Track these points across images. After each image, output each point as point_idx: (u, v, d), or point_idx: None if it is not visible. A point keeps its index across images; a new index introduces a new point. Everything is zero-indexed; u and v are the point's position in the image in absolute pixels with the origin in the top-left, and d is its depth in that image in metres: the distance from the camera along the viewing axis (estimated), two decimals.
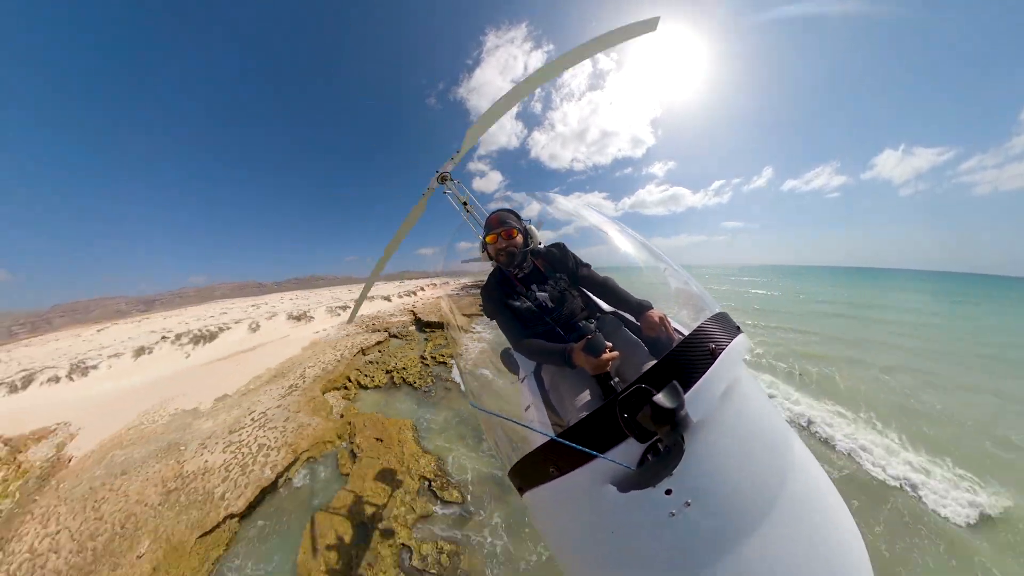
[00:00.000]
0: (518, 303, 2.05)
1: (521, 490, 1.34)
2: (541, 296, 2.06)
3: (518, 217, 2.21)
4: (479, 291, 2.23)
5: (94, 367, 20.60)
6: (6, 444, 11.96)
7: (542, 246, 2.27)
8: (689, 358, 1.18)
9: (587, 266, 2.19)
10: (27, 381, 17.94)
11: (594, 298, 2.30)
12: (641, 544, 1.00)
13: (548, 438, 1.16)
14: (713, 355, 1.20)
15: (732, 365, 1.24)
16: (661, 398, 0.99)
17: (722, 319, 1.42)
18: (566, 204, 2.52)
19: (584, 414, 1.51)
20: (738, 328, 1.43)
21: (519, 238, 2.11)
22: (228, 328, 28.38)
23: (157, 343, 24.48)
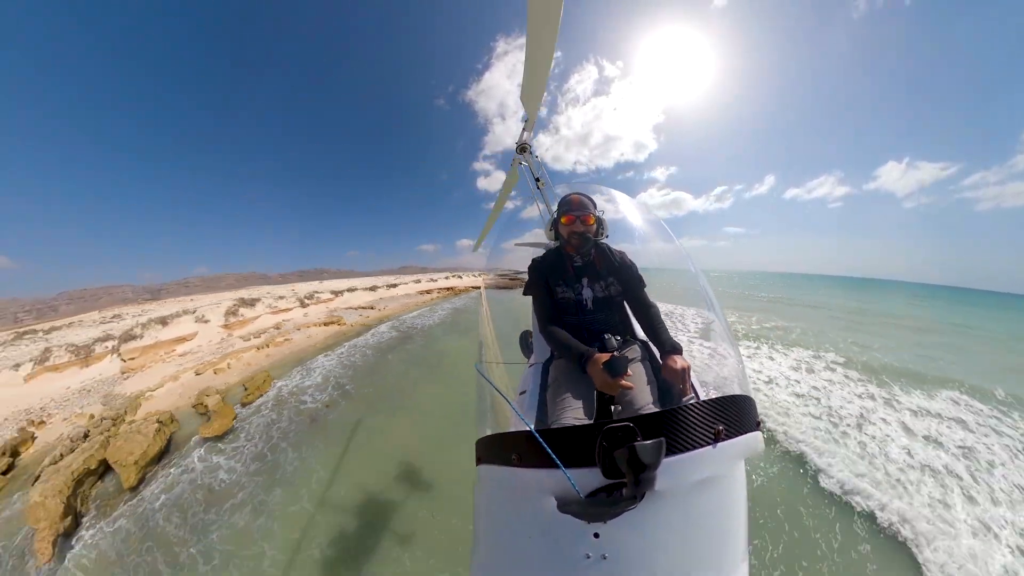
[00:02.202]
0: (561, 289, 2.03)
1: (479, 460, 1.35)
2: (586, 294, 2.02)
3: (594, 204, 2.13)
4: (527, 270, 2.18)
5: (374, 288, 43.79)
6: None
7: (606, 239, 2.17)
8: (690, 424, 1.07)
9: (643, 285, 2.08)
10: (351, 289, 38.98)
11: (632, 318, 2.21)
12: (544, 564, 1.00)
13: (526, 428, 1.13)
14: (716, 437, 1.07)
15: (729, 458, 1.11)
16: (642, 447, 0.93)
17: (746, 405, 1.25)
18: (629, 206, 2.40)
19: (570, 423, 1.56)
20: (759, 424, 1.25)
21: (594, 226, 2.05)
22: (407, 284, 50.44)
23: (396, 283, 46.37)
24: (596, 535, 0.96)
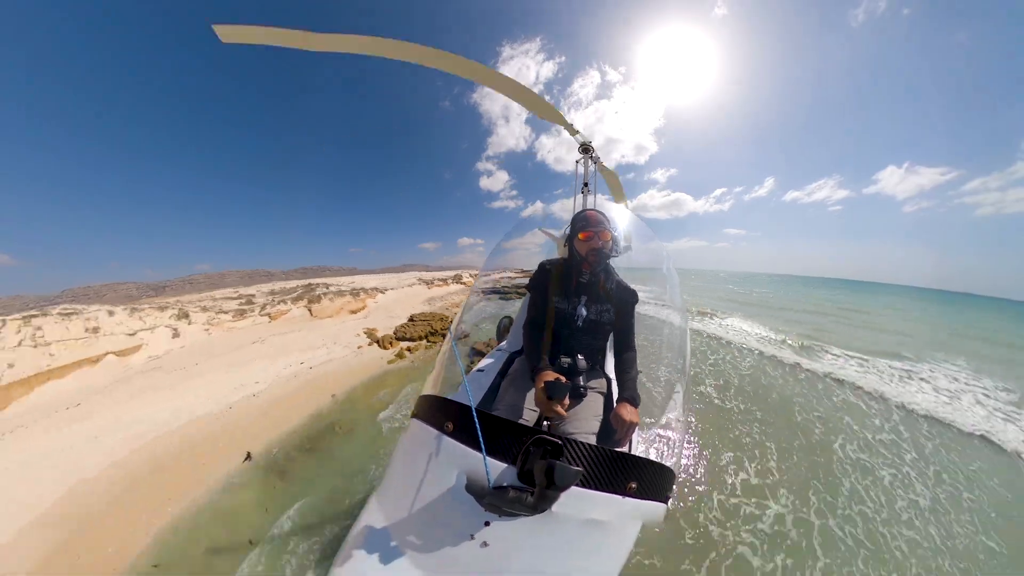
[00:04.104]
0: (558, 299, 1.98)
1: (415, 414, 1.39)
2: (579, 312, 1.96)
3: (608, 220, 2.07)
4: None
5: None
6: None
7: (618, 256, 2.11)
8: (612, 469, 1.13)
9: (633, 325, 2.07)
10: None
11: (609, 351, 2.22)
12: (434, 527, 1.06)
13: (469, 404, 1.18)
14: (626, 492, 1.14)
15: (630, 515, 1.17)
16: (562, 468, 0.97)
17: (666, 476, 1.32)
18: (631, 219, 2.39)
19: (510, 418, 1.60)
20: (668, 498, 1.33)
21: (610, 242, 2.00)
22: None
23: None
24: (487, 523, 1.04)
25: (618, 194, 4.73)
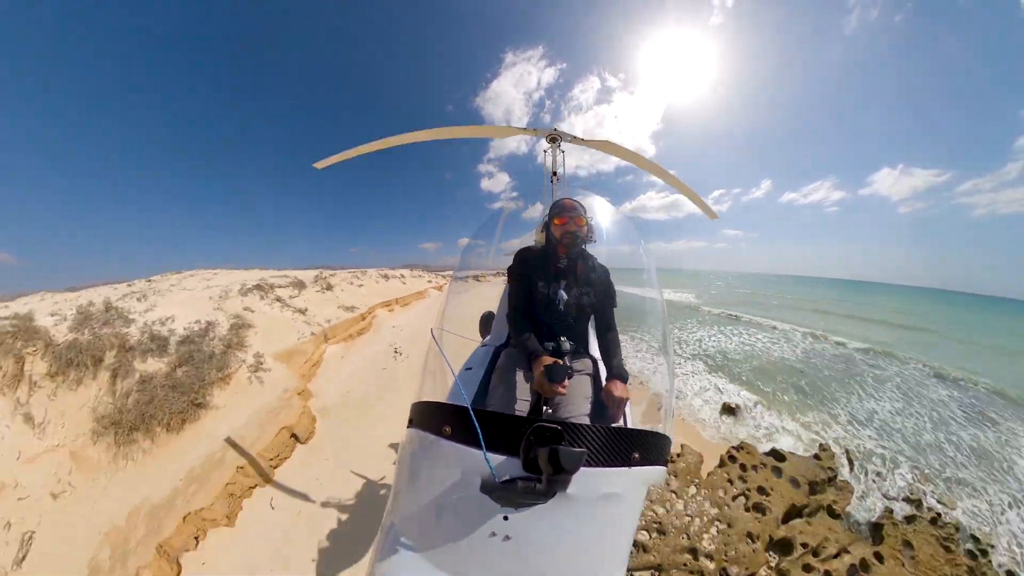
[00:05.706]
0: (540, 285, 2.05)
1: (411, 423, 1.37)
2: (560, 296, 2.02)
3: (584, 209, 2.15)
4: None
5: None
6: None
7: (594, 243, 2.20)
8: (612, 444, 1.15)
9: (615, 305, 2.15)
10: None
11: (592, 333, 2.31)
12: (454, 532, 1.07)
13: (463, 404, 1.17)
14: (630, 462, 1.18)
15: (637, 483, 1.23)
16: (566, 452, 0.97)
17: (663, 442, 1.37)
18: (612, 213, 2.45)
19: (505, 411, 1.64)
20: (667, 461, 1.38)
21: (584, 228, 2.07)
22: None
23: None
24: (505, 518, 1.05)
25: (621, 153, 4.55)
